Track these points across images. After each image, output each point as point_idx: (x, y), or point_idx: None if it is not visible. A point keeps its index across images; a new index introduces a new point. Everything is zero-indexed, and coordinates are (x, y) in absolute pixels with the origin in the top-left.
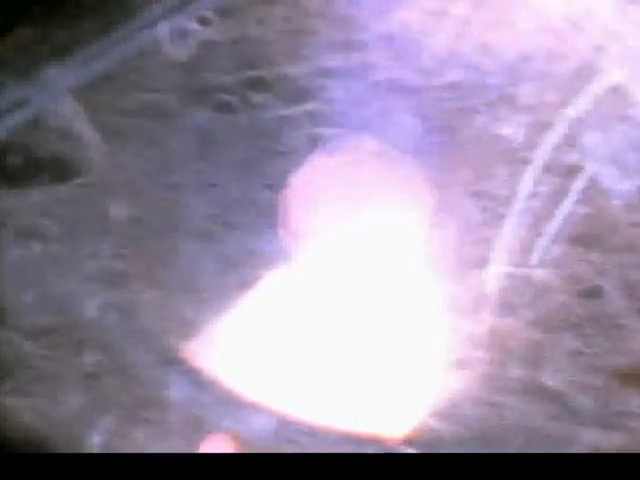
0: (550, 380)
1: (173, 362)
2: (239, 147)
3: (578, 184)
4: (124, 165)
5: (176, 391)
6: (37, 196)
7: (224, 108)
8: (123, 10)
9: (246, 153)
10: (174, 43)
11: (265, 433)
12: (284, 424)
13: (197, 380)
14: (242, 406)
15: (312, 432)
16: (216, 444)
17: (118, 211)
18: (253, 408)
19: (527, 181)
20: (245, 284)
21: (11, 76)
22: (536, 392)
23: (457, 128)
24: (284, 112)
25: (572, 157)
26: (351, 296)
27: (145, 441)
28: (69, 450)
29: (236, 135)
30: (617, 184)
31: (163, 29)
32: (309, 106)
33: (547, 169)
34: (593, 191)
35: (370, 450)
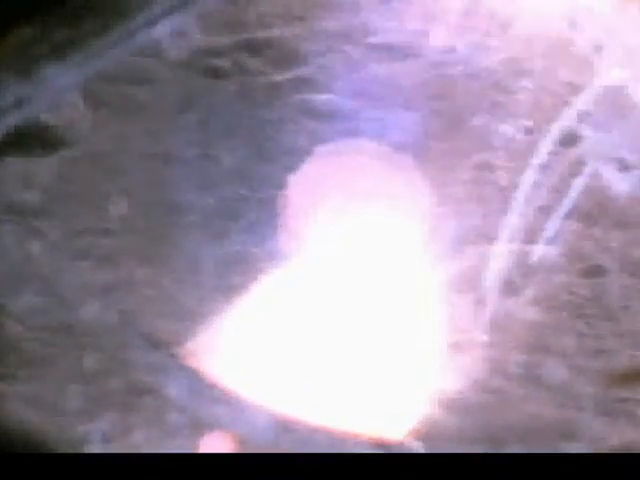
0: (553, 365)
1: (164, 344)
2: (230, 115)
3: (581, 173)
4: (112, 135)
5: (166, 375)
6: (22, 168)
7: (215, 73)
8: (123, 10)
9: (238, 122)
10: (174, 43)
11: (264, 430)
12: (283, 421)
13: (190, 370)
14: (240, 403)
15: (311, 426)
16: (215, 443)
17: (106, 184)
18: (251, 405)
19: (530, 153)
20: (239, 260)
21: (11, 75)
22: (538, 378)
23: (456, 94)
24: (277, 78)
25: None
26: (350, 281)
27: (138, 426)
28: (60, 437)
29: (228, 103)
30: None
31: (163, 29)
32: (302, 71)
33: (550, 142)
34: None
35: (371, 447)
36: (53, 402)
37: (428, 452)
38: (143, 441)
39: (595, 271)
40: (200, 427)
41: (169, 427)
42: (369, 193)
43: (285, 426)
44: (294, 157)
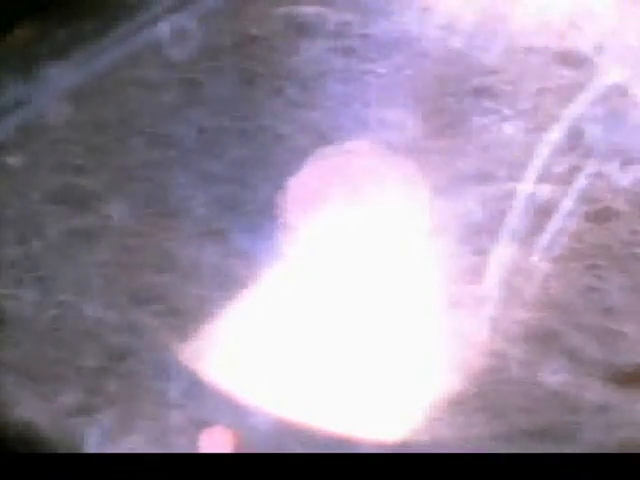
0: (558, 324)
1: (146, 302)
2: (212, 33)
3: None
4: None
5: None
6: None
7: None
8: (123, 10)
9: (220, 40)
10: (174, 42)
11: (265, 431)
12: (284, 421)
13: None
14: (241, 404)
15: (312, 426)
16: (216, 440)
17: (78, 114)
18: (252, 405)
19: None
20: (226, 202)
21: (11, 75)
22: (543, 339)
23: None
24: None
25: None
26: (349, 277)
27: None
28: (36, 404)
29: (209, 20)
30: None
31: (163, 28)
32: None
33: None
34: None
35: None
36: (26, 363)
37: (428, 452)
38: (143, 441)
39: (605, 215)
40: (200, 427)
41: (169, 427)
42: (368, 191)
43: (286, 426)
44: (281, 81)
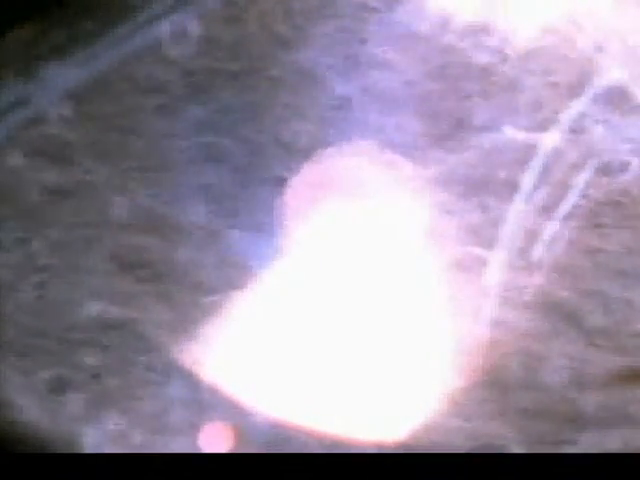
0: (562, 290)
1: (131, 267)
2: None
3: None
4: None
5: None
6: None
7: None
8: (123, 10)
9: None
10: (174, 42)
11: (265, 431)
12: (284, 422)
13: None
14: (241, 404)
15: (312, 428)
16: (215, 437)
17: (63, 63)
18: (251, 408)
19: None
20: (213, 152)
21: (11, 75)
22: (547, 307)
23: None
24: None
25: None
26: (348, 280)
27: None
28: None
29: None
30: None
31: (163, 28)
32: None
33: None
34: None
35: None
36: (10, 333)
37: (428, 452)
38: (143, 441)
39: (613, 168)
40: (191, 406)
41: (169, 427)
42: (368, 193)
43: (285, 427)
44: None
